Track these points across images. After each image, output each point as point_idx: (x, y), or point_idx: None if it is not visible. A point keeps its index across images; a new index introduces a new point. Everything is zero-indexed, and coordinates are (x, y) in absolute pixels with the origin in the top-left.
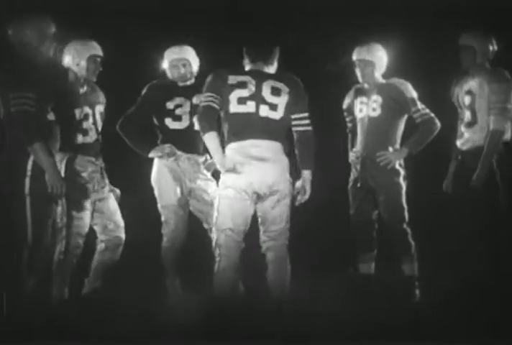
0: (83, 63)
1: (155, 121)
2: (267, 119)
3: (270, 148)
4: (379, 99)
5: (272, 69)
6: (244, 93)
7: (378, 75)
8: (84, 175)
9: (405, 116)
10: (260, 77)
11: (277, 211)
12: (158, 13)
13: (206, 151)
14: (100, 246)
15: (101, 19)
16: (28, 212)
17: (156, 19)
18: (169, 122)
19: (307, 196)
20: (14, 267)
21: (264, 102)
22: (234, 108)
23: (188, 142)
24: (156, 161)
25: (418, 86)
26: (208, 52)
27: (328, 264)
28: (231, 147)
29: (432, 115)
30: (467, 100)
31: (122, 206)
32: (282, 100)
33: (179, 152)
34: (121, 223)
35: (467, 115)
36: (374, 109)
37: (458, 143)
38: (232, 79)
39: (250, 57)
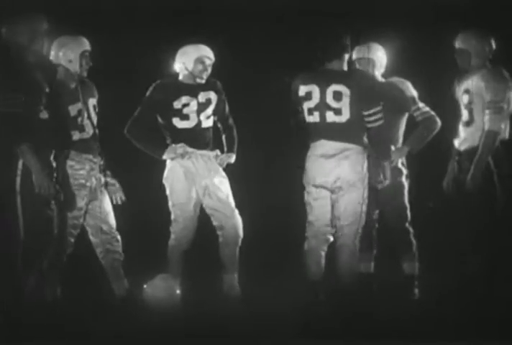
0: (76, 59)
1: (161, 121)
2: (333, 124)
3: (334, 146)
4: None
5: (343, 65)
6: (310, 104)
7: (378, 74)
8: (82, 172)
9: (406, 115)
10: (325, 82)
11: (344, 202)
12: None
13: (216, 146)
14: (98, 250)
15: (100, 15)
16: (19, 210)
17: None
18: (177, 122)
19: (387, 182)
20: (8, 266)
21: (329, 108)
22: (306, 118)
23: (198, 140)
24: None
25: (418, 86)
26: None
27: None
28: (310, 146)
29: (433, 113)
30: (465, 99)
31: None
32: (344, 104)
33: (191, 150)
34: (114, 224)
35: (465, 114)
36: None
37: (456, 143)
38: (302, 90)
39: (325, 56)
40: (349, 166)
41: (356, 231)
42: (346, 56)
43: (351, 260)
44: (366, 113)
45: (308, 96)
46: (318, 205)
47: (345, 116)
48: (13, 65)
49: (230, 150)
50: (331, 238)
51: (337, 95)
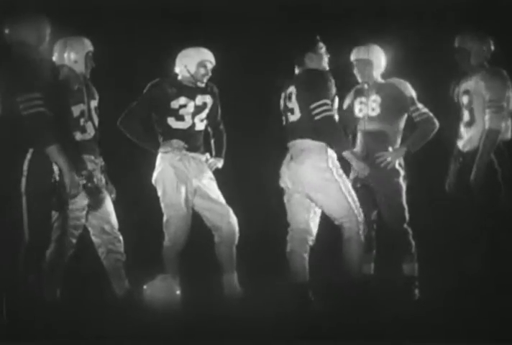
0: (81, 60)
1: (156, 118)
2: (292, 124)
3: (297, 146)
4: (378, 99)
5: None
6: (280, 108)
7: (377, 74)
8: (84, 173)
9: (405, 116)
10: (285, 86)
11: (327, 204)
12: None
13: (207, 150)
14: (100, 251)
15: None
16: (24, 211)
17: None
18: (172, 121)
19: (365, 172)
20: (12, 266)
21: (288, 109)
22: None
23: (191, 142)
24: (160, 160)
25: (418, 87)
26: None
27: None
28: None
29: (431, 114)
30: (465, 99)
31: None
32: (294, 103)
33: (184, 151)
34: (116, 224)
35: (466, 115)
36: (373, 109)
37: (459, 144)
38: (282, 97)
39: (297, 61)
40: (312, 166)
41: (357, 222)
42: (307, 60)
43: (359, 251)
44: (311, 106)
45: (280, 102)
46: (291, 207)
47: (297, 115)
48: (23, 65)
49: (218, 155)
50: (310, 240)
51: (290, 96)
